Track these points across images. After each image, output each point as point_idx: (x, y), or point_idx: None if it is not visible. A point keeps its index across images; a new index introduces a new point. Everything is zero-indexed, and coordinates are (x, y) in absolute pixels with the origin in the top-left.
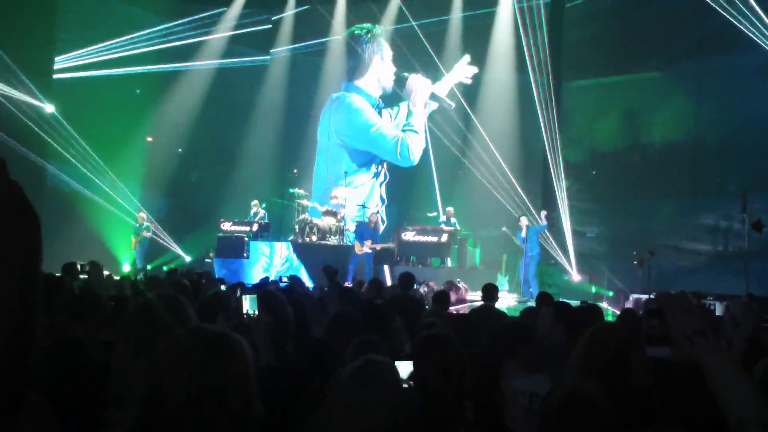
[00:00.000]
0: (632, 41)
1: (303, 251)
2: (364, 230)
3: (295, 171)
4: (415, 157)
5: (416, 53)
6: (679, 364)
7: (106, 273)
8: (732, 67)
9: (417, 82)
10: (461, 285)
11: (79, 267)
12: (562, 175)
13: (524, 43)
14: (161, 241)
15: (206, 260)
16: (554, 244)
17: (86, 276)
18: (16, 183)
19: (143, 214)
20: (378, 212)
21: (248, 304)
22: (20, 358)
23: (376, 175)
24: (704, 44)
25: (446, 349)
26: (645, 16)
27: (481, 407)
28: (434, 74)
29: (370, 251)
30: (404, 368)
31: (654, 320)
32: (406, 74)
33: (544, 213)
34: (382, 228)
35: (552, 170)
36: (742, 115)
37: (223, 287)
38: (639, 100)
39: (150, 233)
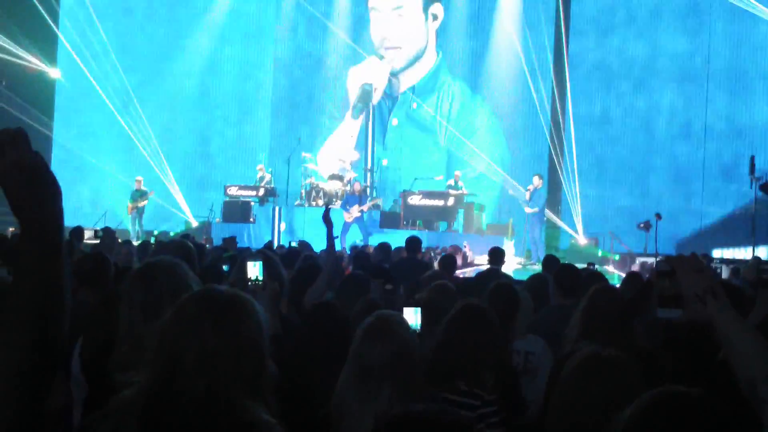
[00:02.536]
0: None
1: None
2: (350, 198)
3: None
4: None
5: None
6: (689, 325)
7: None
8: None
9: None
10: (467, 248)
11: (93, 233)
12: (573, 136)
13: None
14: (168, 206)
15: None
16: (560, 206)
17: (99, 241)
18: (38, 154)
19: (140, 178)
20: (357, 178)
21: (252, 270)
22: (58, 319)
23: None
24: None
25: (486, 323)
26: None
27: (499, 372)
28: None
29: (359, 214)
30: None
31: (665, 281)
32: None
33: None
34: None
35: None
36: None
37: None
38: None
39: (146, 200)
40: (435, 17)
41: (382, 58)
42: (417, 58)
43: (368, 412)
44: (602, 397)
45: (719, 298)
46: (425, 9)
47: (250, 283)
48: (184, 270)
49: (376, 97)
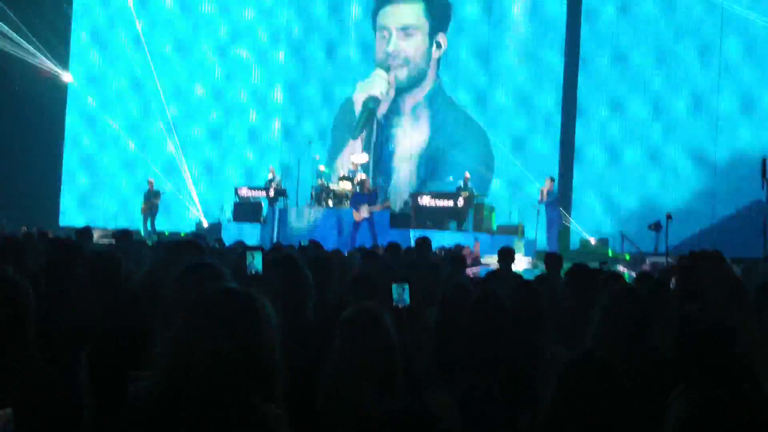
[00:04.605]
0: None
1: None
2: (359, 198)
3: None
4: None
5: None
6: (708, 324)
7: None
8: None
9: None
10: (476, 245)
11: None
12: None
13: None
14: (180, 206)
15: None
16: (571, 206)
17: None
18: None
19: (152, 179)
20: (368, 178)
21: (251, 262)
22: None
23: None
24: None
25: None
26: None
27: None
28: None
29: (369, 215)
30: None
31: (687, 278)
32: None
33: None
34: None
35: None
36: None
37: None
38: None
39: (158, 201)
40: (439, 46)
41: (388, 70)
42: (418, 81)
43: (352, 406)
44: (589, 400)
45: (744, 304)
46: (431, 36)
47: (249, 272)
48: (220, 271)
49: (381, 110)
